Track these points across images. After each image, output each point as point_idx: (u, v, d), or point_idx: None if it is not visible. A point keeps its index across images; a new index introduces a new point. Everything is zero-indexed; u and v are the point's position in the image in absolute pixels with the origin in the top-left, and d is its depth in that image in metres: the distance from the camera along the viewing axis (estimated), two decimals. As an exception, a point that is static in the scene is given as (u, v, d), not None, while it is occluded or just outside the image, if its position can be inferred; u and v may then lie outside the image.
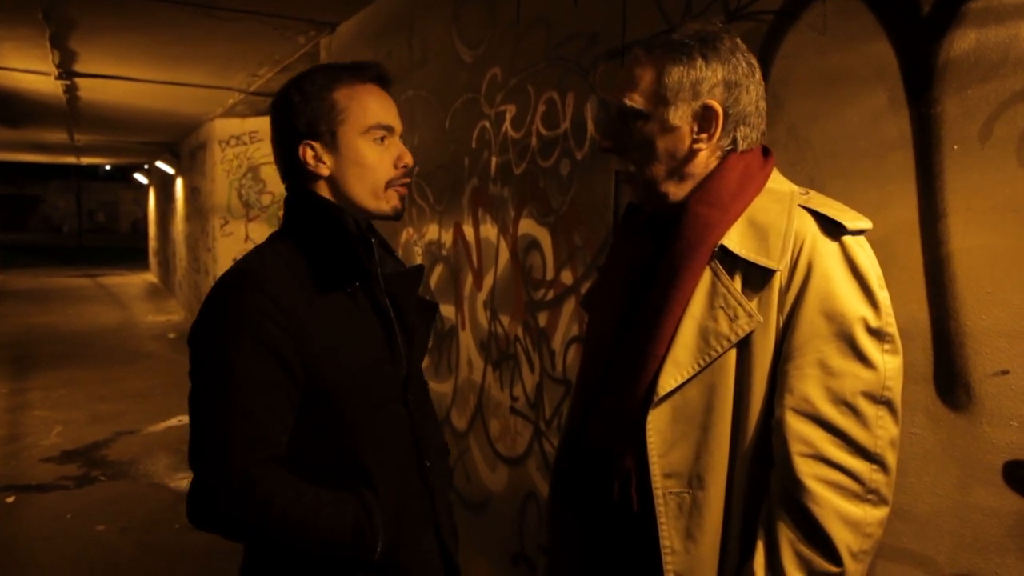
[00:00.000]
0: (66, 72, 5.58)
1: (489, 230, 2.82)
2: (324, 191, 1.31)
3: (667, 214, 1.25)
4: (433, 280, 3.27)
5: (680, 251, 1.19)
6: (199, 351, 1.21)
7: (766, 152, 1.26)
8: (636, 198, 1.30)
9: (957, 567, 1.29)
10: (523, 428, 2.61)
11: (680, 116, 1.19)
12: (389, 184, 1.31)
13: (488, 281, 2.84)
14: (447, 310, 3.16)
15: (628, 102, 1.21)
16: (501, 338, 2.75)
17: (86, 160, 16.12)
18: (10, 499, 4.24)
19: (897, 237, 1.37)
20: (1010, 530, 1.22)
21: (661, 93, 1.19)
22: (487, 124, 2.80)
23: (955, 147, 1.29)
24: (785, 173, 1.58)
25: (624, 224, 1.40)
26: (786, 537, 1.10)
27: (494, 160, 2.76)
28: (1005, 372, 1.22)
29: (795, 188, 1.23)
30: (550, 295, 2.46)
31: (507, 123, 2.66)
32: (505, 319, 2.72)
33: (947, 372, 1.30)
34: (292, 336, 1.18)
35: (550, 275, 2.45)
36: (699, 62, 1.18)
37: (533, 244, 2.54)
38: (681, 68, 1.18)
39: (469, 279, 2.98)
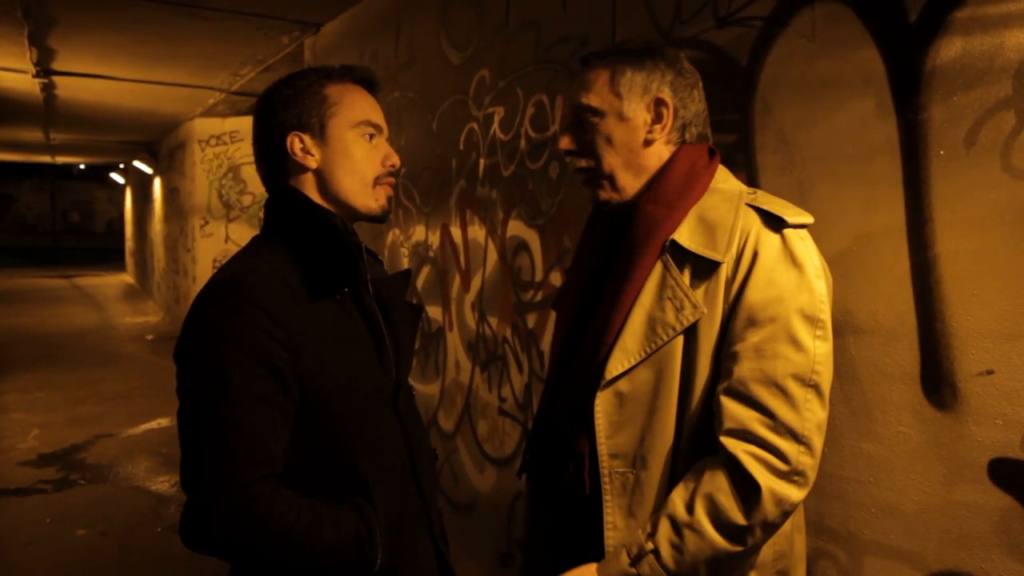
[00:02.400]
0: (44, 70, 5.50)
1: (477, 232, 2.82)
2: (309, 187, 1.29)
3: (624, 215, 1.32)
4: (420, 281, 3.27)
5: (631, 247, 1.27)
6: (190, 367, 1.16)
7: (712, 153, 1.33)
8: (594, 197, 1.36)
9: (944, 563, 1.32)
10: (511, 429, 2.62)
11: (633, 109, 1.29)
12: (376, 180, 1.31)
13: (476, 283, 2.85)
14: (434, 311, 3.16)
15: (584, 100, 1.30)
16: (489, 339, 2.76)
17: (61, 159, 15.88)
18: (-13, 503, 4.18)
19: (884, 240, 1.40)
20: (995, 526, 1.25)
21: (615, 90, 1.29)
22: (475, 126, 2.81)
23: (941, 152, 1.32)
24: (774, 177, 1.61)
25: (587, 228, 1.47)
26: (712, 481, 1.14)
27: (482, 162, 2.77)
28: (990, 372, 1.25)
29: (743, 188, 1.30)
30: (539, 296, 2.47)
31: (495, 125, 2.68)
32: (493, 320, 2.73)
33: (933, 372, 1.33)
34: (285, 347, 1.15)
35: (539, 277, 2.47)
36: (648, 63, 1.30)
37: (522, 246, 2.55)
38: (632, 68, 1.29)
39: (456, 280, 2.99)
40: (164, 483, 4.45)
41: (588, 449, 1.27)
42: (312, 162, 1.28)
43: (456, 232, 2.98)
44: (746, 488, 1.12)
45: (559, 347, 1.40)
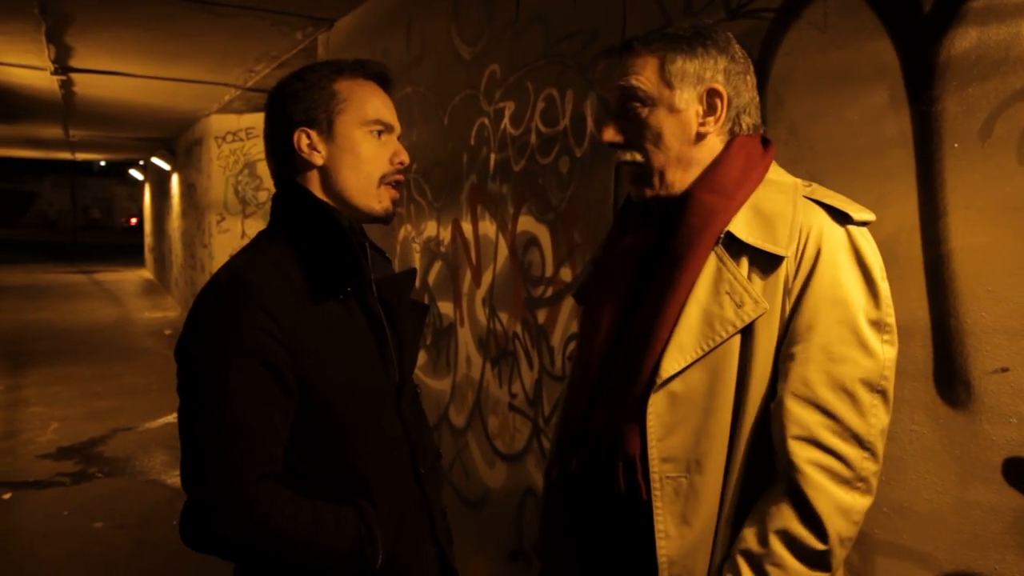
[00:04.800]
0: (62, 67, 5.55)
1: (488, 227, 2.82)
2: (315, 184, 1.27)
3: (668, 206, 1.25)
4: (431, 277, 3.27)
5: (685, 237, 1.20)
6: (191, 367, 1.16)
7: (766, 143, 1.28)
8: (637, 193, 1.29)
9: (956, 564, 1.29)
10: (522, 425, 2.62)
11: (686, 100, 1.21)
12: (383, 179, 1.29)
13: (487, 278, 2.84)
14: (445, 307, 3.16)
15: (633, 85, 1.23)
16: (500, 335, 2.75)
17: (81, 156, 16.04)
18: (7, 496, 4.23)
19: (897, 235, 1.37)
20: (1009, 527, 1.22)
21: (666, 79, 1.21)
22: (486, 121, 2.80)
23: (955, 145, 1.29)
24: (785, 171, 1.59)
25: (621, 218, 1.40)
26: (779, 513, 1.12)
27: (493, 157, 2.76)
28: (1005, 369, 1.23)
29: (798, 180, 1.25)
30: (549, 292, 2.46)
31: (506, 120, 2.66)
32: (504, 316, 2.72)
33: (947, 369, 1.31)
34: (285, 347, 1.14)
35: (549, 272, 2.46)
36: (700, 50, 1.22)
37: (532, 241, 2.54)
38: (683, 56, 1.21)
39: (468, 276, 2.98)
40: (180, 477, 4.50)
41: (639, 451, 1.20)
42: (318, 159, 1.26)
43: (467, 227, 2.97)
44: (812, 515, 1.10)
45: (595, 344, 1.32)
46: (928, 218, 1.33)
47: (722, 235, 1.18)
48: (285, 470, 1.16)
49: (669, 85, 1.21)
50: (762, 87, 1.64)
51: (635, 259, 1.31)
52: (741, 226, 1.18)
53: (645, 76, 1.22)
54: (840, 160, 1.48)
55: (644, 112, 1.22)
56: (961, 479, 1.29)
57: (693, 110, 1.22)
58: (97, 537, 3.72)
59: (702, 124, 1.23)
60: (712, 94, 1.22)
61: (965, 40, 1.27)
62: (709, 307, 1.17)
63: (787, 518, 1.11)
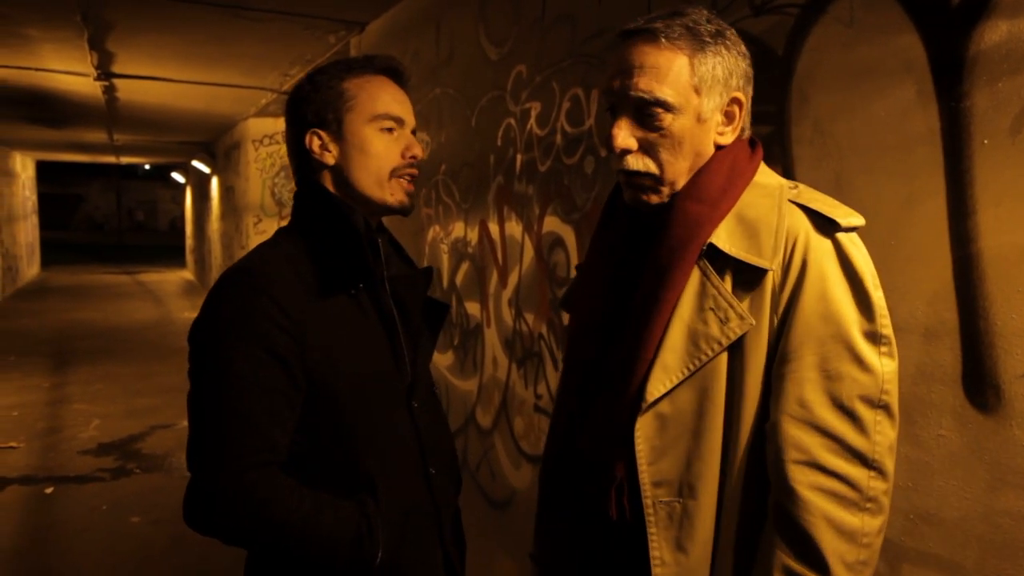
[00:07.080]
0: (104, 73, 5.70)
1: (514, 228, 2.82)
2: (329, 183, 1.29)
3: (650, 212, 1.18)
4: (459, 277, 3.28)
5: (668, 250, 1.12)
6: (200, 353, 1.18)
7: (753, 144, 1.20)
8: (642, 201, 1.18)
9: (985, 573, 1.25)
10: (547, 426, 2.61)
11: (711, 108, 1.12)
12: (393, 173, 1.29)
13: (513, 279, 2.84)
14: (472, 307, 3.17)
15: (659, 94, 1.10)
16: (526, 336, 2.74)
17: (125, 159, 16.47)
18: (49, 490, 4.35)
19: (925, 234, 1.33)
20: (1041, 536, 1.18)
21: (695, 84, 1.11)
22: (512, 122, 2.80)
23: (985, 141, 1.25)
24: (811, 169, 1.56)
25: (604, 222, 1.33)
26: (777, 556, 1.05)
27: (519, 158, 2.75)
28: (1036, 373, 1.19)
29: (784, 182, 1.16)
30: (574, 293, 2.45)
31: (532, 120, 2.66)
32: (530, 317, 2.72)
33: (976, 373, 1.27)
34: (293, 338, 1.16)
35: (574, 273, 2.44)
36: (723, 51, 1.12)
37: (558, 242, 2.53)
38: (714, 58, 1.11)
39: (494, 277, 2.99)
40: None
41: (626, 473, 1.15)
42: (330, 158, 1.28)
43: (494, 228, 2.97)
44: (809, 547, 1.03)
45: (579, 356, 1.26)
46: (957, 216, 1.29)
47: (705, 247, 1.11)
48: (291, 462, 1.17)
49: (698, 91, 1.11)
50: (787, 84, 1.62)
51: (616, 269, 1.24)
52: (724, 237, 1.11)
53: (670, 79, 1.10)
54: (866, 158, 1.45)
55: (667, 119, 1.11)
56: (990, 486, 1.25)
57: (716, 119, 1.14)
58: (133, 532, 3.80)
59: (720, 134, 1.15)
60: (734, 103, 1.14)
61: (995, 34, 1.23)
62: (694, 324, 1.10)
63: (784, 558, 1.04)
